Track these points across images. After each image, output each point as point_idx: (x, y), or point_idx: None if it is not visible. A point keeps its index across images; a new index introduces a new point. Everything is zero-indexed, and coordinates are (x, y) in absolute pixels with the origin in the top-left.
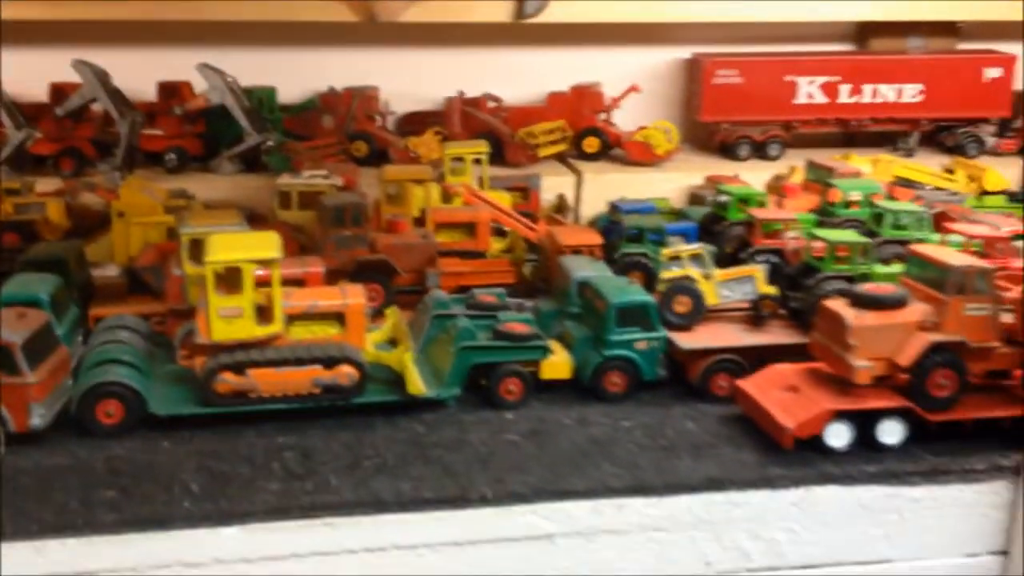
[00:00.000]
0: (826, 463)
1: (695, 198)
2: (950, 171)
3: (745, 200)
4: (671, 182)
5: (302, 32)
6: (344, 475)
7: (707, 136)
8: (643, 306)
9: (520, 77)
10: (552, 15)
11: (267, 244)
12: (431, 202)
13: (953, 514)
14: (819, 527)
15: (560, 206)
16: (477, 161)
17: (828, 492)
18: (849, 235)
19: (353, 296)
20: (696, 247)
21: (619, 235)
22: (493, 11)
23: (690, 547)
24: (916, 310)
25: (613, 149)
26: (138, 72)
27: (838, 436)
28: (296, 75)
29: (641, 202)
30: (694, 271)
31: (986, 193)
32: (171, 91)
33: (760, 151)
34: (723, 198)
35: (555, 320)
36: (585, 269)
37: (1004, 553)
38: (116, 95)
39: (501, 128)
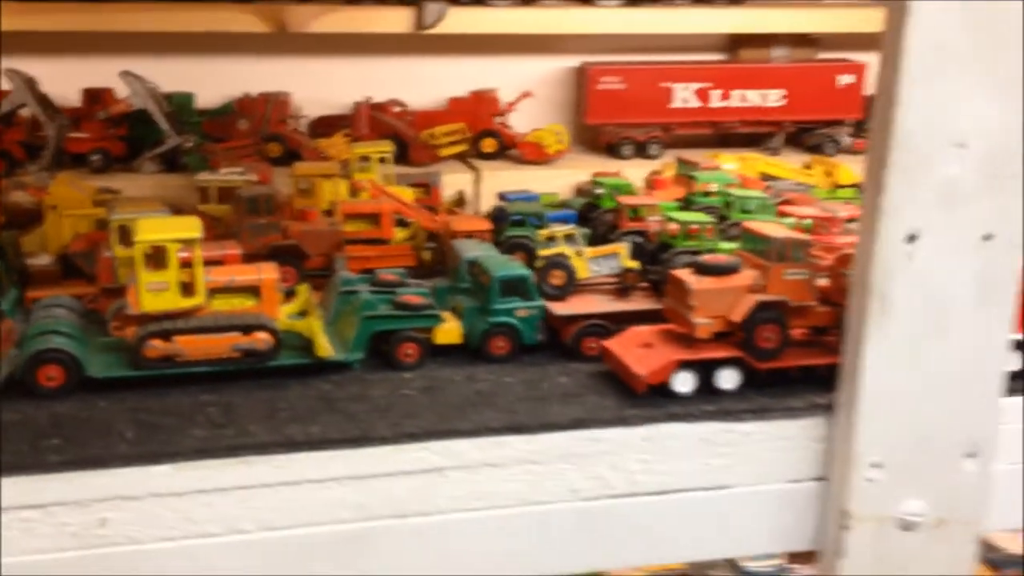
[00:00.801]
0: (673, 405)
1: (581, 191)
2: (808, 167)
3: (617, 190)
4: (562, 179)
5: (219, 42)
6: (261, 423)
7: (593, 137)
8: (522, 278)
9: (423, 83)
10: (451, 26)
11: (189, 226)
12: (339, 195)
13: (779, 446)
14: (668, 459)
15: (459, 200)
16: (383, 160)
17: (674, 428)
18: (696, 216)
19: (267, 272)
20: (569, 228)
21: (504, 221)
22: (395, 22)
23: (559, 478)
24: (747, 275)
25: (509, 149)
26: (64, 79)
27: (683, 383)
28: (213, 82)
29: (526, 193)
30: (567, 249)
31: (840, 186)
32: (95, 97)
33: (642, 151)
34: (599, 189)
35: (448, 295)
36: (474, 250)
37: (823, 479)
38: (44, 101)
39: (405, 130)
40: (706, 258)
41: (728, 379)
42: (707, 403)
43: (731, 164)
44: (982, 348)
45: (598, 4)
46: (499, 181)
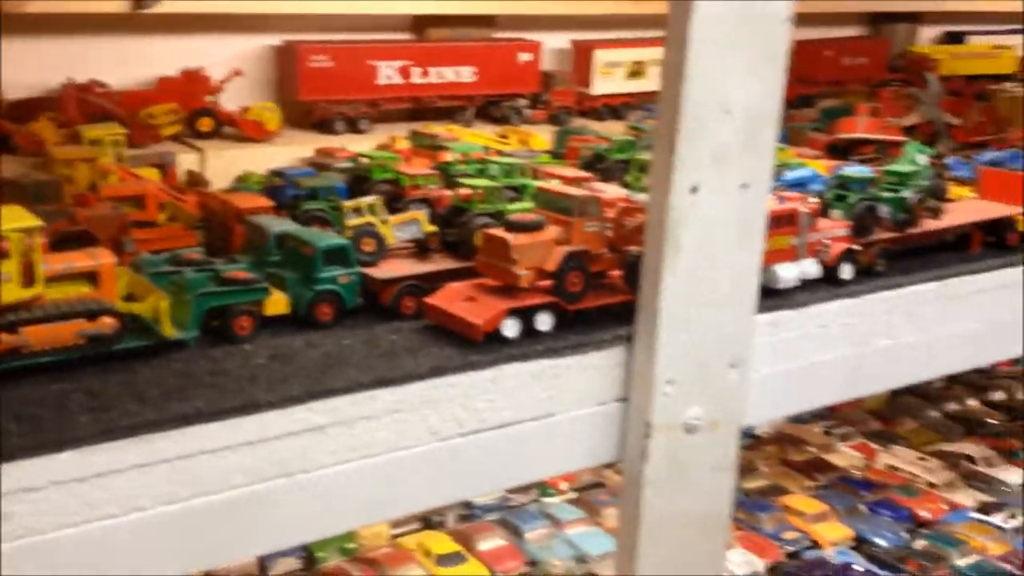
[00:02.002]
0: (506, 348)
1: (319, 166)
2: (504, 136)
3: (386, 163)
4: (284, 155)
5: None
6: (139, 403)
7: (304, 114)
8: (343, 247)
9: (129, 63)
10: (160, 6)
11: (22, 216)
12: (102, 179)
13: (590, 375)
14: (507, 396)
15: (195, 180)
16: (115, 142)
17: (512, 368)
18: (487, 181)
19: (103, 257)
20: (373, 199)
21: (286, 197)
22: (112, 2)
23: (421, 423)
24: (553, 230)
25: (223, 127)
26: None
27: (511, 328)
28: None
29: (301, 169)
30: (373, 218)
31: (534, 152)
32: None
33: (352, 126)
34: (365, 161)
35: (254, 269)
36: (280, 225)
37: (625, 400)
38: None
39: (117, 112)
40: (516, 217)
41: (545, 322)
42: (532, 344)
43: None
44: (741, 277)
45: None
46: (225, 160)
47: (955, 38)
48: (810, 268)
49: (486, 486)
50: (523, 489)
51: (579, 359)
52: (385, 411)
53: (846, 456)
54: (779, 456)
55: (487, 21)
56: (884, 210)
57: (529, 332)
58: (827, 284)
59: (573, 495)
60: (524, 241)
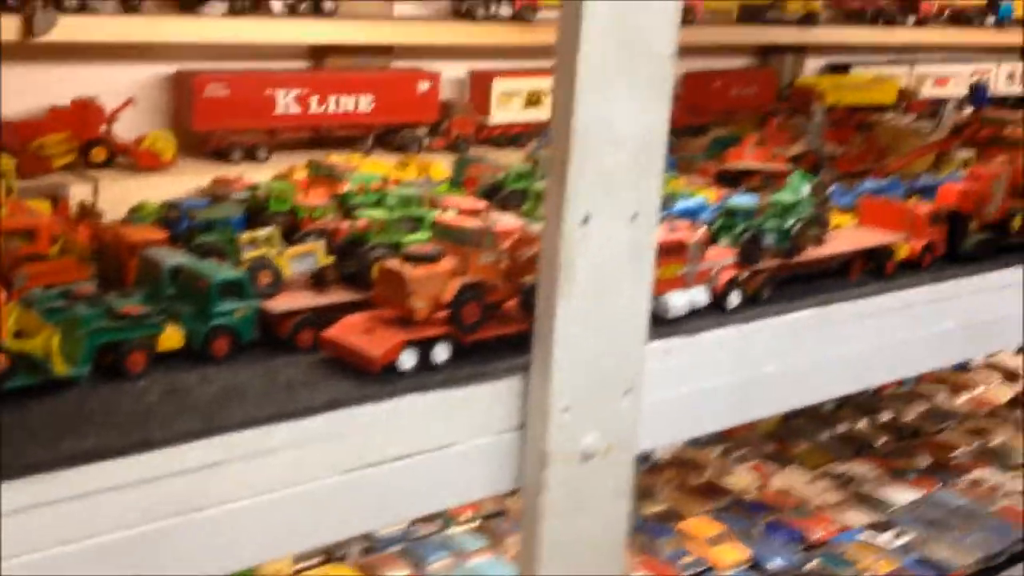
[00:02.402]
0: (403, 380)
1: (215, 196)
2: (404, 165)
3: (282, 194)
4: (180, 185)
5: None
6: (30, 442)
7: (200, 143)
8: (239, 281)
9: (19, 93)
10: (54, 34)
11: None
12: None
13: (488, 404)
14: (405, 427)
15: (87, 211)
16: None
17: (408, 400)
18: (385, 213)
19: None
20: (269, 231)
21: (181, 229)
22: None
23: (320, 457)
24: (449, 262)
25: (118, 158)
26: None
27: (408, 360)
28: None
29: (196, 200)
30: (269, 250)
31: (433, 181)
32: None
33: (250, 155)
34: (262, 192)
35: (148, 303)
36: (174, 258)
37: (523, 427)
38: None
39: (6, 142)
40: (413, 249)
41: (442, 353)
42: (430, 375)
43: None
44: (632, 305)
45: (200, 12)
46: (119, 190)
47: (839, 69)
48: (699, 296)
49: (387, 518)
50: (427, 519)
51: (476, 389)
52: (283, 445)
53: (742, 478)
54: (677, 480)
55: (385, 51)
56: (769, 239)
57: (426, 363)
58: (715, 311)
59: (477, 524)
60: (420, 273)
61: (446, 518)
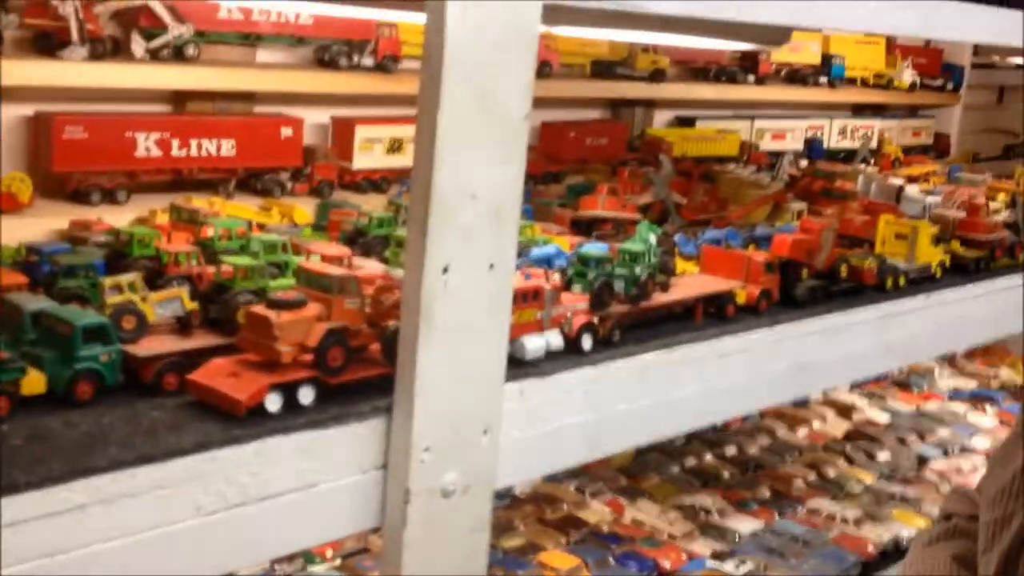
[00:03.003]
0: (269, 422)
1: (75, 239)
2: (267, 209)
3: (145, 239)
4: (38, 227)
5: None
6: None
7: (59, 185)
8: (102, 325)
9: None
10: None
11: None
12: None
13: (351, 445)
14: (270, 468)
15: None
16: None
17: (273, 441)
18: (249, 260)
19: None
20: (132, 276)
21: (42, 273)
22: None
23: (185, 499)
24: (314, 307)
25: None
26: None
27: (274, 402)
28: None
29: (57, 244)
30: (133, 295)
31: (296, 225)
32: None
33: (109, 197)
34: (124, 236)
35: (10, 349)
36: (35, 303)
37: (385, 467)
38: None
39: None
40: (278, 295)
41: (307, 395)
42: (296, 417)
43: (201, 207)
44: (490, 349)
45: (60, 57)
46: None
47: (686, 122)
48: (554, 339)
49: (252, 558)
50: (288, 559)
51: (340, 430)
52: (148, 488)
53: (597, 512)
54: (536, 515)
55: (247, 97)
56: (619, 285)
57: (292, 406)
58: (569, 354)
59: (338, 562)
60: (286, 319)
61: (307, 556)
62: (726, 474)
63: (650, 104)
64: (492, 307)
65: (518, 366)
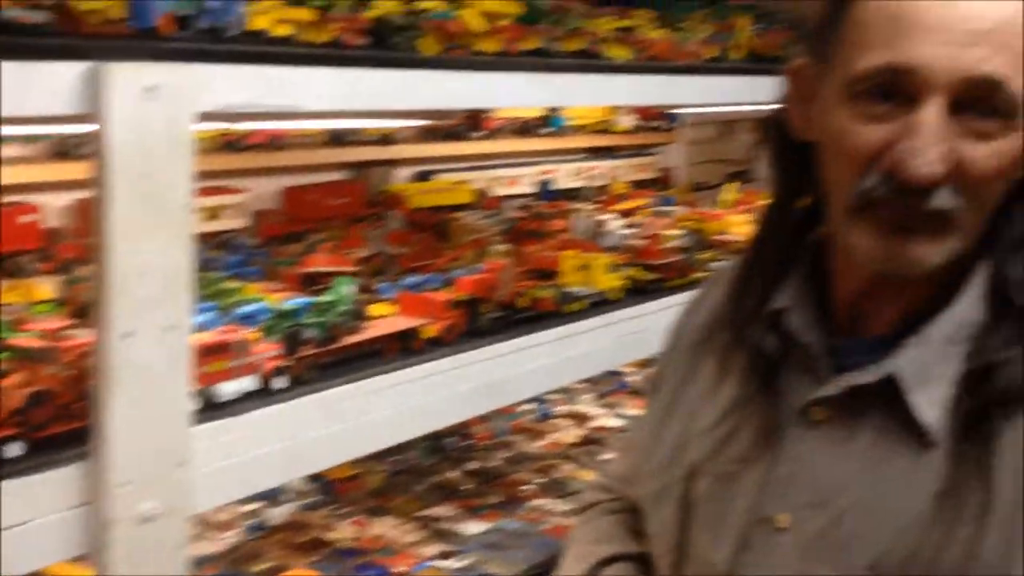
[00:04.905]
0: None
1: None
2: (14, 288)
3: None
4: None
5: None
6: None
7: None
8: None
9: None
10: None
11: None
12: None
13: (62, 487)
14: None
15: None
16: None
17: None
18: None
19: None
20: None
21: None
22: None
23: None
24: (17, 376)
25: None
26: None
27: None
28: None
29: None
30: None
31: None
32: None
33: None
34: None
35: None
36: None
37: (90, 503)
38: None
39: None
40: None
41: (16, 449)
42: (5, 468)
43: None
44: (175, 397)
45: None
46: None
47: (424, 177)
48: (248, 383)
49: None
50: None
51: (51, 474)
52: None
53: (344, 532)
54: (286, 541)
55: None
56: (309, 332)
57: (3, 461)
58: (264, 394)
59: None
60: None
61: None
62: (467, 486)
63: (389, 164)
64: (172, 363)
65: (215, 408)
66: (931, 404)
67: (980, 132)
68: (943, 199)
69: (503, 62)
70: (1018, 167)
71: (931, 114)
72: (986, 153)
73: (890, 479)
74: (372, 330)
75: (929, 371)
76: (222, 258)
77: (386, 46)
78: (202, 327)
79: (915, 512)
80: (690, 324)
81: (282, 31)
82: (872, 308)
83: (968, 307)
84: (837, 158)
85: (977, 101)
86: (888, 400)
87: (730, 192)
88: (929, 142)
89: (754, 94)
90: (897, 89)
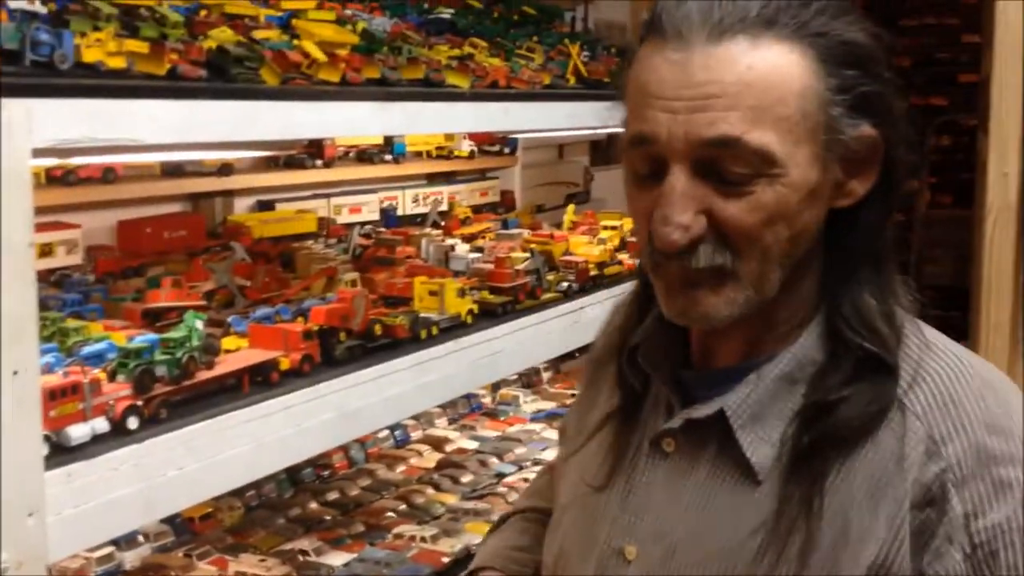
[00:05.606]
0: None
1: None
2: None
3: None
4: None
5: None
6: None
7: None
8: None
9: None
10: None
11: None
12: None
13: None
14: None
15: None
16: None
17: None
18: None
19: None
20: None
21: None
22: None
23: None
24: None
25: None
26: None
27: None
28: None
29: None
30: None
31: None
32: None
33: None
34: None
35: None
36: None
37: None
38: None
39: None
40: None
41: None
42: None
43: None
44: (24, 443)
45: None
46: None
47: (266, 206)
48: (99, 425)
49: None
50: None
51: None
52: None
53: (203, 571)
54: None
55: None
56: (160, 370)
57: None
58: (117, 436)
59: None
60: None
61: None
62: (327, 517)
63: (229, 194)
64: (20, 408)
65: (65, 452)
66: (760, 441)
67: (729, 189)
68: (705, 257)
69: (345, 91)
70: (802, 209)
71: (677, 180)
72: (742, 208)
73: (719, 513)
74: (226, 364)
75: (763, 408)
76: (59, 296)
77: (225, 77)
78: (46, 369)
79: (740, 547)
80: (595, 348)
81: (116, 64)
82: (716, 343)
83: (809, 345)
84: (632, 218)
85: (718, 160)
86: (723, 434)
87: (568, 213)
88: (675, 210)
89: (587, 119)
90: (653, 156)
